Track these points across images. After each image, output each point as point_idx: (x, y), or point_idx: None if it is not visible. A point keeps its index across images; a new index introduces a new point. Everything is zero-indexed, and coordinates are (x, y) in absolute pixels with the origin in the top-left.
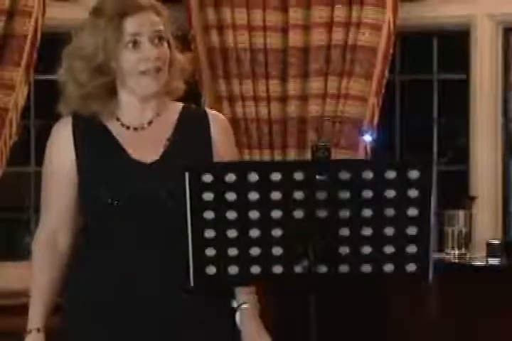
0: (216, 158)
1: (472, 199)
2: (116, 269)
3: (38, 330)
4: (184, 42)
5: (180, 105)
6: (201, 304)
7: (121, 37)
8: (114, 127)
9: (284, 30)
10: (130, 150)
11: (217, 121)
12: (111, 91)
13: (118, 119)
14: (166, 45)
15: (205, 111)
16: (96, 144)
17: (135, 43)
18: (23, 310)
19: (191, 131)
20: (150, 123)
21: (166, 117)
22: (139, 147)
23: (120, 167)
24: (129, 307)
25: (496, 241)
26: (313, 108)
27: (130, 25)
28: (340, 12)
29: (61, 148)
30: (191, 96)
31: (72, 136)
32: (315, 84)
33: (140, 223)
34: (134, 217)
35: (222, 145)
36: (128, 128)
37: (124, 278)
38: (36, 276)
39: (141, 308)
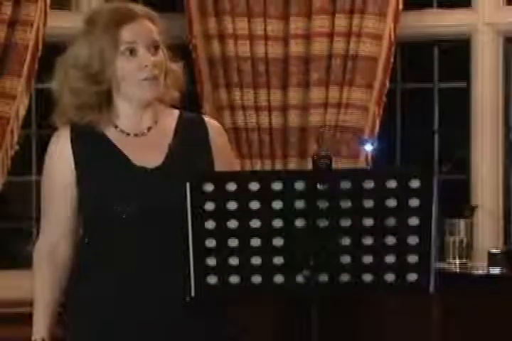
0: (216, 162)
1: (473, 208)
2: (117, 279)
3: (43, 340)
4: (185, 51)
5: (176, 112)
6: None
7: (118, 45)
8: (113, 134)
9: (285, 40)
10: (131, 157)
11: (214, 127)
12: (106, 100)
13: (116, 127)
14: (161, 53)
15: (201, 118)
16: (96, 153)
17: (132, 51)
18: (25, 319)
19: (190, 136)
20: (149, 129)
21: (164, 124)
22: (141, 153)
23: (122, 174)
24: (130, 317)
25: (498, 251)
26: (314, 117)
27: (126, 33)
28: (341, 21)
29: (60, 159)
30: (192, 105)
31: (70, 147)
32: (316, 94)
33: (142, 230)
34: (136, 224)
35: (222, 150)
36: (128, 134)
37: (125, 288)
38: (38, 287)
39: (142, 321)
